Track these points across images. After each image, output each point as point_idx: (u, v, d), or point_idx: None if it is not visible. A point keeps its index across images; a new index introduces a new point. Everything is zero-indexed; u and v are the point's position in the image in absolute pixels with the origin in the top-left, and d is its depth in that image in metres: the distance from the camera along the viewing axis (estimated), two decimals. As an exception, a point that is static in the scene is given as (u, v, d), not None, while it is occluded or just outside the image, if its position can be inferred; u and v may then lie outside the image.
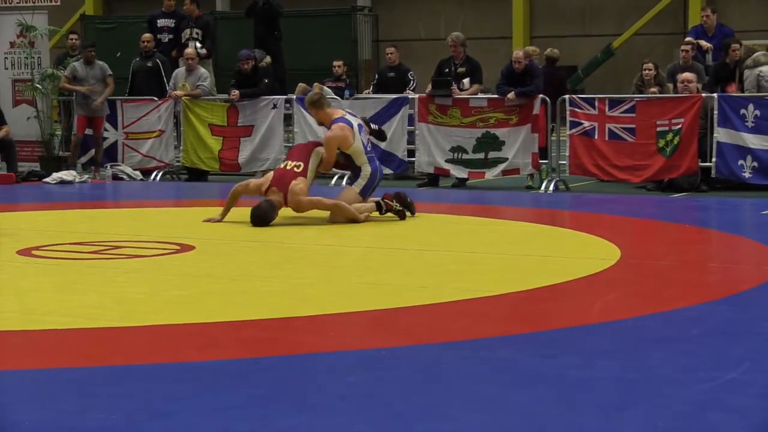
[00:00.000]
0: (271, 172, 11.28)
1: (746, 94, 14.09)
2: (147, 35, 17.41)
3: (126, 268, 8.42)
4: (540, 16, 29.33)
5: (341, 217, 10.91)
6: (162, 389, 5.08)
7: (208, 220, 11.01)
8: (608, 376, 5.25)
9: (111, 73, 16.60)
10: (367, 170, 11.27)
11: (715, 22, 16.14)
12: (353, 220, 10.89)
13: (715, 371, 5.30)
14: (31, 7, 18.31)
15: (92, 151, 16.77)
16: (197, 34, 17.74)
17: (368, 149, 11.42)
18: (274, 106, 15.99)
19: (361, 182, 11.29)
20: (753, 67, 14.31)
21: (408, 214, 11.24)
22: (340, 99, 15.68)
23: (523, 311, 6.95)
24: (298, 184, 10.85)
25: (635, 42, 27.83)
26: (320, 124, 12.01)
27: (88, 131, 16.59)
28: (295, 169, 10.97)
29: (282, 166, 11.23)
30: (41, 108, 16.97)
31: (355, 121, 11.49)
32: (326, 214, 11.02)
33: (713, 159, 13.87)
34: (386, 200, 11.22)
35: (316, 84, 17.23)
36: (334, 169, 12.21)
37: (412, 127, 15.35)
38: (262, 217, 10.60)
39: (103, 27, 27.65)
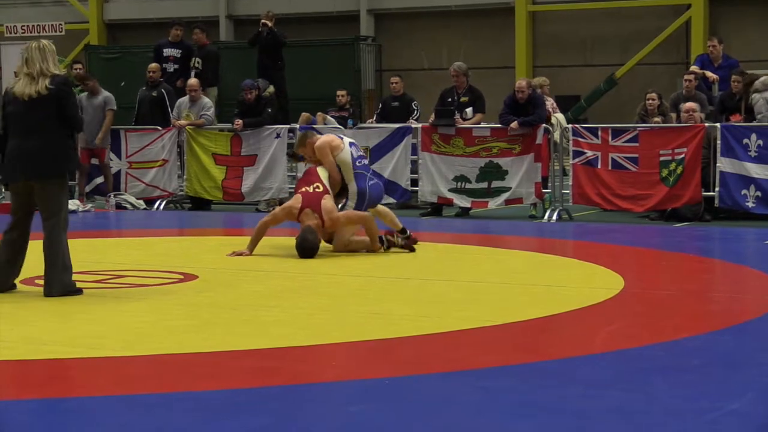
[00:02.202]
0: (298, 195, 10.95)
1: (754, 123, 14.04)
2: (153, 65, 17.37)
3: (129, 298, 8.42)
4: (542, 46, 29.34)
5: (361, 231, 10.87)
6: (164, 419, 5.07)
7: (235, 254, 10.69)
8: (610, 406, 5.24)
9: (113, 107, 16.45)
10: (353, 189, 11.04)
11: (721, 53, 16.10)
12: (373, 239, 10.85)
13: (717, 401, 5.29)
14: (35, 37, 18.36)
15: (96, 180, 16.75)
16: (198, 63, 17.79)
17: (357, 165, 11.15)
18: (278, 136, 16.01)
19: (350, 204, 11.03)
20: (762, 91, 14.28)
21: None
22: (343, 128, 15.72)
23: (526, 341, 6.94)
24: (329, 201, 10.80)
25: (638, 72, 27.82)
26: (313, 162, 11.37)
27: (94, 161, 16.56)
28: (317, 189, 10.91)
29: (303, 191, 10.97)
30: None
31: (347, 139, 11.43)
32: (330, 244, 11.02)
33: (716, 188, 13.86)
34: (388, 237, 11.07)
35: (319, 114, 17.38)
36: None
37: (416, 157, 15.36)
38: (310, 249, 10.52)
39: (107, 57, 27.71)
